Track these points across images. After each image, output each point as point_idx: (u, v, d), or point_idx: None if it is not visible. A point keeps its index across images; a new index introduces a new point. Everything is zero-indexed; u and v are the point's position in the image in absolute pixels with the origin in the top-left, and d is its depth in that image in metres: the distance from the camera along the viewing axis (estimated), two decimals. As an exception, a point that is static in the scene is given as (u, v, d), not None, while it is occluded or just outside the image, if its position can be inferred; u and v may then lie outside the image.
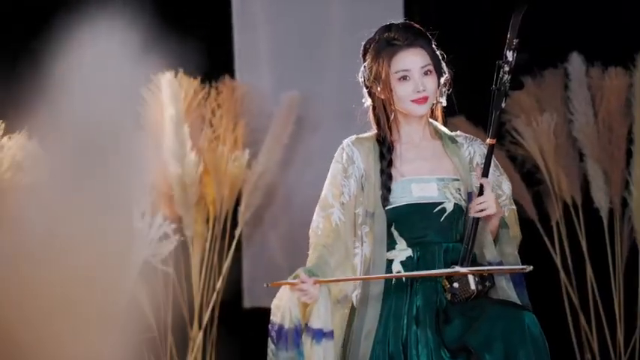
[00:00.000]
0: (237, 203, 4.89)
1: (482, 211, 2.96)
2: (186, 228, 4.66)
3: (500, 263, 2.99)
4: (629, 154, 4.93)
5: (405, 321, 2.97)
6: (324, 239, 2.99)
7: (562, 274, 5.02)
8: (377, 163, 3.03)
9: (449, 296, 2.97)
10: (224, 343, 4.98)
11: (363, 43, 3.07)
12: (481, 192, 2.99)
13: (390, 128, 3.06)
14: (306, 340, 2.90)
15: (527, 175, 5.07)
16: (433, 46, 3.05)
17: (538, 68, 5.03)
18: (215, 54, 5.06)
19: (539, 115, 4.95)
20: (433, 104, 3.08)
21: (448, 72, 3.08)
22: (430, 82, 3.01)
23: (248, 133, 4.92)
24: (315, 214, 3.04)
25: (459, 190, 3.03)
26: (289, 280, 2.86)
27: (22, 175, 3.68)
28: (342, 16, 5.19)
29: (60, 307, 3.20)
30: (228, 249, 4.88)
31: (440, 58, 3.06)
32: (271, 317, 2.92)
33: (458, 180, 3.05)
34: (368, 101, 3.08)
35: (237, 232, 4.89)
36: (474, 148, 3.10)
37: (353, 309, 3.01)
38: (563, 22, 5.04)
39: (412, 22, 3.06)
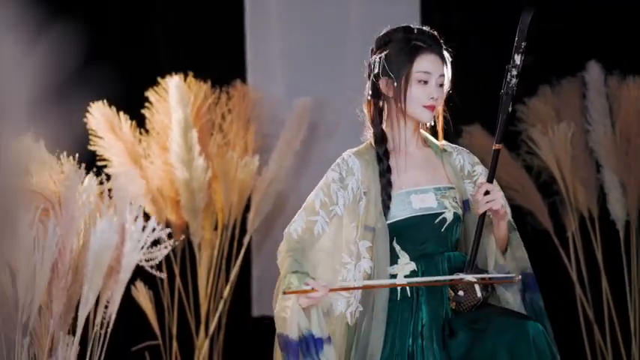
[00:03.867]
0: (247, 210, 4.88)
1: (488, 203, 2.94)
2: (194, 234, 4.65)
3: (503, 272, 2.99)
4: (647, 165, 4.93)
5: (411, 337, 2.96)
6: (294, 245, 2.95)
7: (577, 287, 5.01)
8: (376, 175, 3.02)
9: (454, 305, 2.97)
10: (231, 353, 4.98)
11: (378, 36, 3.07)
12: (487, 193, 2.99)
13: (383, 131, 3.06)
14: (311, 349, 2.85)
15: (543, 186, 5.05)
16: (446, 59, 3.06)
17: (555, 76, 5.02)
18: (227, 57, 5.06)
19: (555, 124, 4.92)
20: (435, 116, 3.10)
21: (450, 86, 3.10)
22: (441, 93, 3.04)
23: (259, 139, 4.90)
24: (297, 214, 3.01)
25: (455, 199, 3.05)
26: (304, 288, 2.83)
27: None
28: (358, 20, 5.18)
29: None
30: (237, 256, 4.86)
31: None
32: (279, 329, 2.88)
33: (453, 188, 3.06)
34: (368, 96, 3.07)
35: (245, 240, 4.86)
36: (462, 156, 3.14)
37: (348, 326, 2.98)
38: (581, 30, 5.03)
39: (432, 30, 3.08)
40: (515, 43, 3.00)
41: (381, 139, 3.05)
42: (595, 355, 5.01)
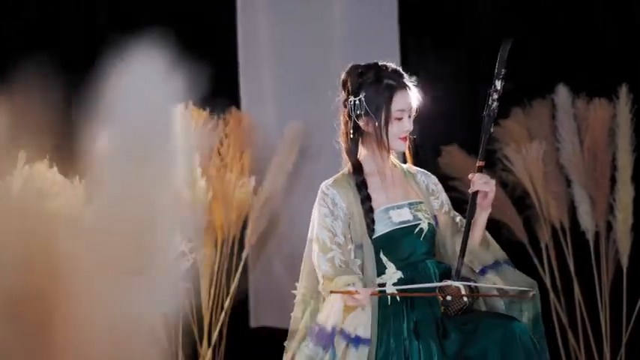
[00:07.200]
0: (244, 227, 4.98)
1: (486, 184, 3.17)
2: (196, 251, 4.71)
3: (495, 264, 3.22)
4: (613, 180, 4.99)
5: (406, 335, 3.14)
6: (333, 276, 3.11)
7: (551, 294, 5.09)
8: (357, 198, 3.20)
9: (442, 309, 3.17)
10: (232, 360, 5.07)
11: (351, 78, 3.23)
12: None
13: (359, 161, 3.24)
14: (341, 344, 3.03)
15: (518, 200, 5.13)
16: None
17: (527, 99, 5.11)
18: (222, 86, 5.13)
19: (528, 143, 5.02)
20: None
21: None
22: (412, 124, 3.24)
23: (253, 161, 5.01)
24: (318, 257, 3.15)
25: (427, 212, 3.26)
26: (349, 289, 3.03)
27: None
28: (343, 52, 5.30)
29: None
30: (236, 271, 4.96)
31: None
32: (319, 321, 3.07)
33: (423, 203, 3.28)
34: (349, 131, 3.23)
35: (243, 255, 4.97)
36: (424, 177, 3.36)
37: None
38: (550, 55, 5.13)
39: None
40: (495, 70, 3.15)
41: (358, 168, 3.22)
42: (569, 358, 5.09)
